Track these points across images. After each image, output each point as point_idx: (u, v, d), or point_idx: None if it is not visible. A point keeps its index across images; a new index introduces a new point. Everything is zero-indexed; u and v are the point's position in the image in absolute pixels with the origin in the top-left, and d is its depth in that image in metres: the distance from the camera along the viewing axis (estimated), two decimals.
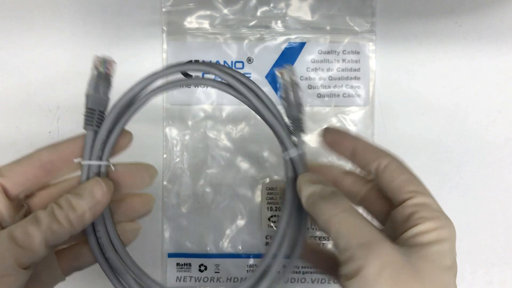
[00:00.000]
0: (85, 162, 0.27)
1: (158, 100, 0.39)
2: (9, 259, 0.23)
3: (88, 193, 0.25)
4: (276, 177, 0.40)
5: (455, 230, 0.25)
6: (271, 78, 0.40)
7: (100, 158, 0.27)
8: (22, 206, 0.27)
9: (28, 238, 0.23)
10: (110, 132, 0.28)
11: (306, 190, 0.26)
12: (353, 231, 0.23)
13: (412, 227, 0.24)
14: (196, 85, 0.30)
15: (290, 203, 0.28)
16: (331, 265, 0.30)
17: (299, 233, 0.29)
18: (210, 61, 0.38)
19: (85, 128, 0.27)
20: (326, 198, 0.25)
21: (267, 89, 0.39)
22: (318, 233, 0.40)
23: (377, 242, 0.23)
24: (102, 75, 0.27)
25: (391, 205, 0.27)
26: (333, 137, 0.29)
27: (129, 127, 0.39)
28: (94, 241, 0.28)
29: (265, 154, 0.40)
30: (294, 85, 0.28)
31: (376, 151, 0.28)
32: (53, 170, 0.26)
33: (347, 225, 0.24)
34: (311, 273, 0.40)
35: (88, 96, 0.27)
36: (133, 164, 0.29)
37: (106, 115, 0.28)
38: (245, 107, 0.40)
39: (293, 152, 0.28)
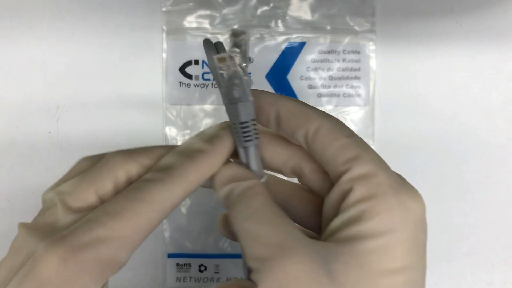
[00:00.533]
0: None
1: (158, 100, 0.39)
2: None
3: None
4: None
5: (421, 209, 0.18)
6: (271, 78, 0.39)
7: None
8: None
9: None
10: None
11: (221, 192, 0.21)
12: (255, 240, 0.18)
13: (340, 214, 0.18)
14: None
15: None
16: None
17: None
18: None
19: (245, 145, 0.21)
20: (236, 202, 0.20)
21: (267, 88, 0.39)
22: None
23: (279, 254, 0.17)
24: (245, 69, 0.21)
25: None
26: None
27: (128, 127, 0.40)
28: None
29: None
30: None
31: (304, 113, 0.21)
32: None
33: (252, 233, 0.18)
34: None
35: (238, 106, 0.20)
36: None
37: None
38: None
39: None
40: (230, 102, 0.20)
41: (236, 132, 0.21)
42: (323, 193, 0.21)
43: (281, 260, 0.17)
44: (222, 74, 0.20)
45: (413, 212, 0.17)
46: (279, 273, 0.16)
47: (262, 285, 0.17)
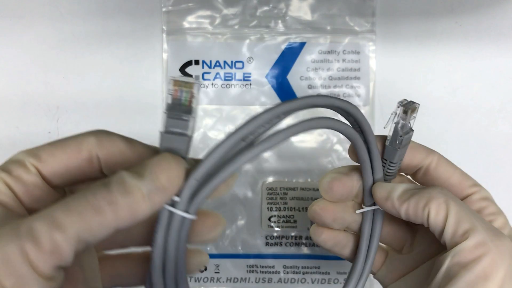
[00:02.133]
0: (170, 208, 0.21)
1: (158, 100, 0.39)
2: (24, 267, 0.16)
3: (149, 173, 0.18)
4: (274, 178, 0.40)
5: None
6: (271, 78, 0.39)
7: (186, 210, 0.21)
8: (63, 192, 0.21)
9: (51, 241, 0.16)
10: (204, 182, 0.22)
11: (399, 188, 0.25)
12: (459, 211, 0.23)
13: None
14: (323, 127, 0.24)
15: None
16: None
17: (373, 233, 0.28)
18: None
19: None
20: (421, 191, 0.24)
21: (266, 88, 0.39)
22: None
23: (500, 233, 0.23)
24: (184, 107, 0.20)
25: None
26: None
27: (128, 127, 0.40)
28: (159, 261, 0.21)
29: (265, 154, 0.40)
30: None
31: (424, 148, 0.27)
32: (100, 167, 0.20)
33: (454, 208, 0.24)
34: (311, 273, 0.40)
35: (163, 139, 0.20)
36: (205, 212, 0.23)
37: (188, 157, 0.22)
38: (245, 107, 0.40)
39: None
40: (397, 146, 0.26)
41: (387, 167, 0.27)
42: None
43: (503, 237, 0.23)
44: (400, 123, 0.26)
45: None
46: (503, 245, 0.22)
47: (493, 251, 0.22)
